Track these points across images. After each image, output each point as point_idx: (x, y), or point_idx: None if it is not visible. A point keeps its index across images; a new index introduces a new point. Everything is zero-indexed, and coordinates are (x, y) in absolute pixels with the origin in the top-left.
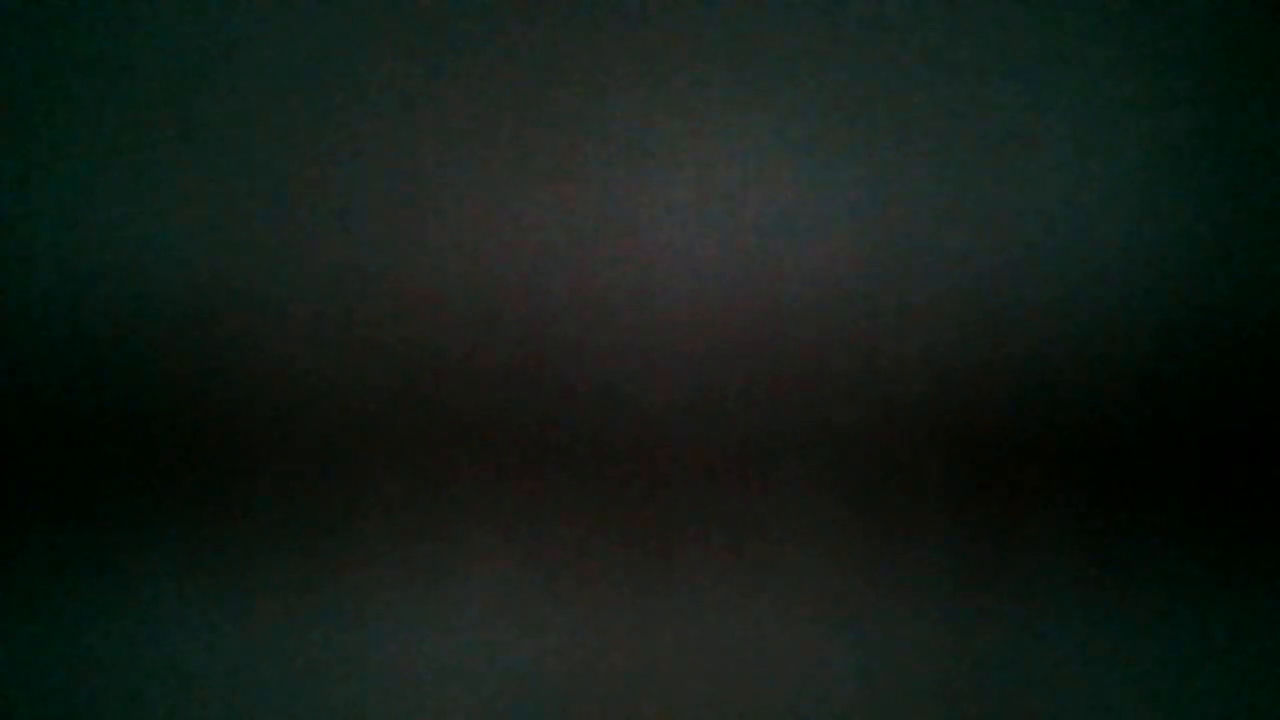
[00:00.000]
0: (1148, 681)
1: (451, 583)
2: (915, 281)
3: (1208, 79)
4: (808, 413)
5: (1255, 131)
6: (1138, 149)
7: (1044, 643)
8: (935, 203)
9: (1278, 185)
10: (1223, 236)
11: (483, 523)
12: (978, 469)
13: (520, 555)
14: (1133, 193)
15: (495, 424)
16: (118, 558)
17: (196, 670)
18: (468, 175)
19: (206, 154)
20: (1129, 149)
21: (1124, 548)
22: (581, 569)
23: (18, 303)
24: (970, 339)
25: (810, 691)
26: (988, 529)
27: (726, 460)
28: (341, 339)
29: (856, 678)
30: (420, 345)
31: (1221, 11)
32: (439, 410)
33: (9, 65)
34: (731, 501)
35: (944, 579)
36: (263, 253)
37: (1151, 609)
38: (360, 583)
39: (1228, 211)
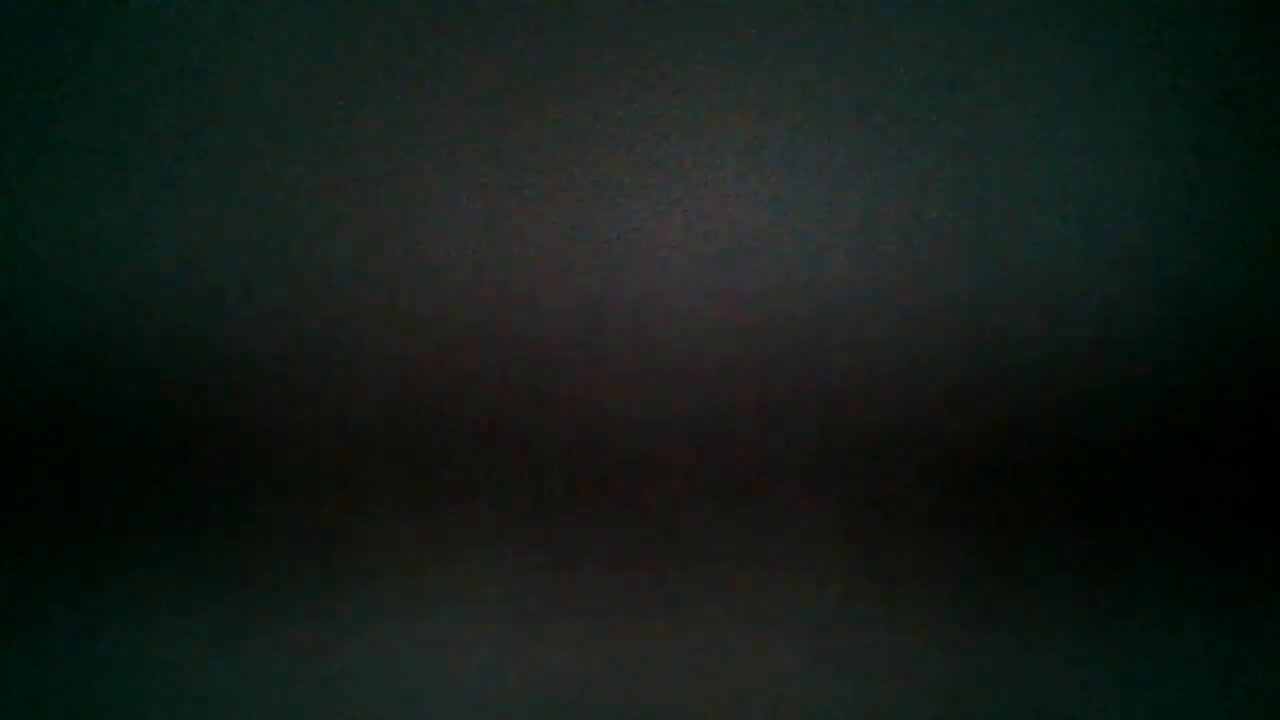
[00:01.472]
0: (1148, 693)
1: (449, 594)
2: (914, 290)
3: (1208, 80)
4: (806, 423)
5: (1256, 134)
6: (1137, 153)
7: (1045, 657)
8: (935, 210)
9: (1277, 186)
10: (1224, 242)
11: (480, 532)
12: (977, 478)
13: (517, 566)
14: (1133, 197)
15: (493, 433)
16: (116, 566)
17: (196, 678)
18: (466, 183)
19: (206, 159)
20: (1129, 153)
21: (1125, 558)
22: (580, 581)
23: (17, 307)
24: (970, 347)
25: (807, 706)
26: (987, 539)
27: (725, 470)
28: (340, 347)
29: (855, 690)
30: (418, 354)
31: (1221, 11)
32: (437, 419)
33: (10, 65)
34: (730, 512)
35: (943, 591)
36: (262, 260)
37: (1153, 620)
38: (358, 593)
39: (1229, 216)
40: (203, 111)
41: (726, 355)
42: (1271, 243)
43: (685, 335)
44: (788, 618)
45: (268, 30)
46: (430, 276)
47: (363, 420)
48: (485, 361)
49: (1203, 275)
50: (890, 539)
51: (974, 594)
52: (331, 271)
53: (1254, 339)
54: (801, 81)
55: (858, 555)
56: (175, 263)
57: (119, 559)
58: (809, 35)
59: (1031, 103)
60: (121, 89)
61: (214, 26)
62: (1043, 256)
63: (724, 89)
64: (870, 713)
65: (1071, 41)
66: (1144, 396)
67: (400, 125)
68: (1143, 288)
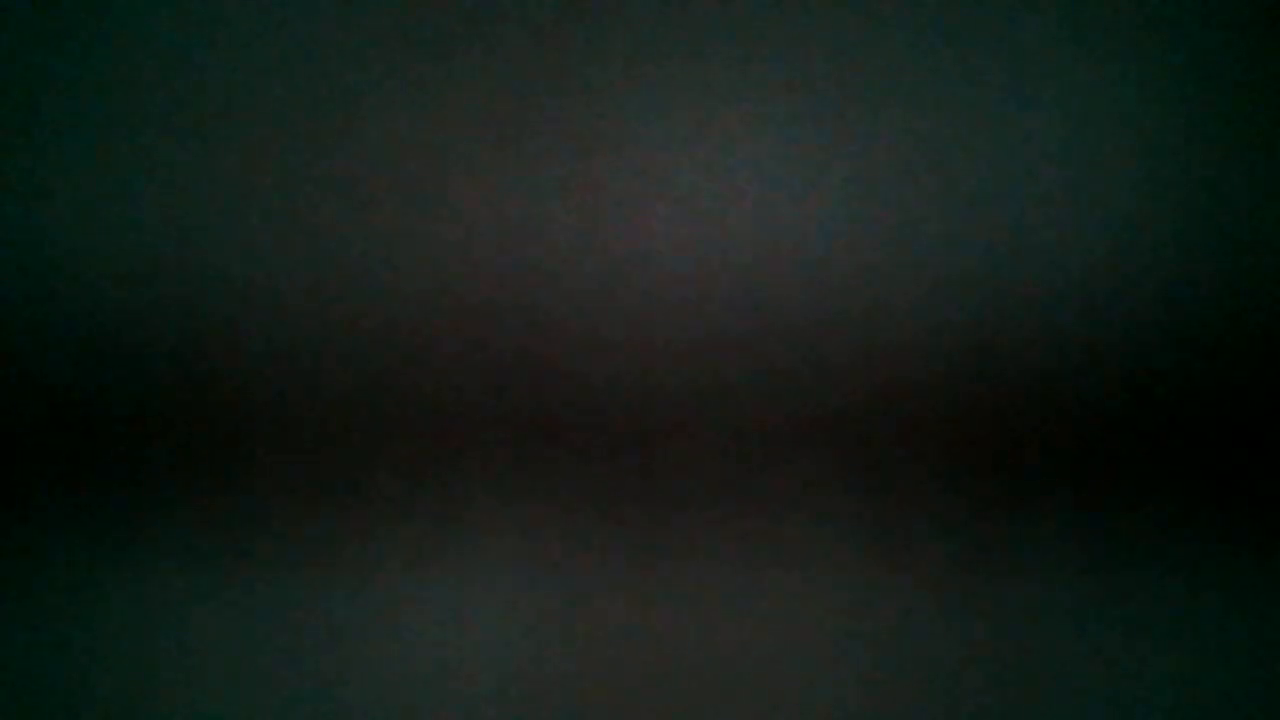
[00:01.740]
0: (1146, 678)
1: (452, 578)
2: (914, 278)
3: (1206, 79)
4: (807, 408)
5: (1255, 131)
6: (1136, 147)
7: (1045, 637)
8: (933, 200)
9: (1277, 186)
10: (1222, 235)
11: (483, 517)
12: (976, 464)
13: (521, 550)
14: (1130, 190)
15: (495, 420)
16: (121, 552)
17: (198, 665)
18: (466, 174)
19: (207, 153)
20: (1127, 147)
21: (1123, 541)
22: (583, 563)
23: (19, 300)
24: (968, 335)
25: (811, 686)
26: (987, 522)
27: (726, 455)
28: (343, 336)
29: (858, 672)
30: (421, 342)
31: (1220, 10)
32: (440, 407)
33: (10, 66)
34: (732, 497)
35: (945, 573)
36: (264, 251)
37: (1152, 603)
38: (361, 579)
39: (1227, 210)
40: (205, 109)
41: (729, 343)
42: (1270, 238)
43: (689, 321)
44: (792, 597)
45: (271, 28)
46: (434, 263)
47: (366, 407)
48: (487, 346)
49: (1201, 266)
50: (894, 519)
51: (975, 574)
52: (334, 260)
53: (1252, 327)
54: (803, 72)
55: (864, 538)
56: (181, 255)
57: (123, 540)
58: (809, 35)
59: (1031, 98)
60: (123, 86)
61: (216, 25)
62: (1043, 245)
63: (726, 86)
64: (876, 691)
65: (1071, 40)
66: (1144, 386)
67: (405, 121)
68: (1142, 280)
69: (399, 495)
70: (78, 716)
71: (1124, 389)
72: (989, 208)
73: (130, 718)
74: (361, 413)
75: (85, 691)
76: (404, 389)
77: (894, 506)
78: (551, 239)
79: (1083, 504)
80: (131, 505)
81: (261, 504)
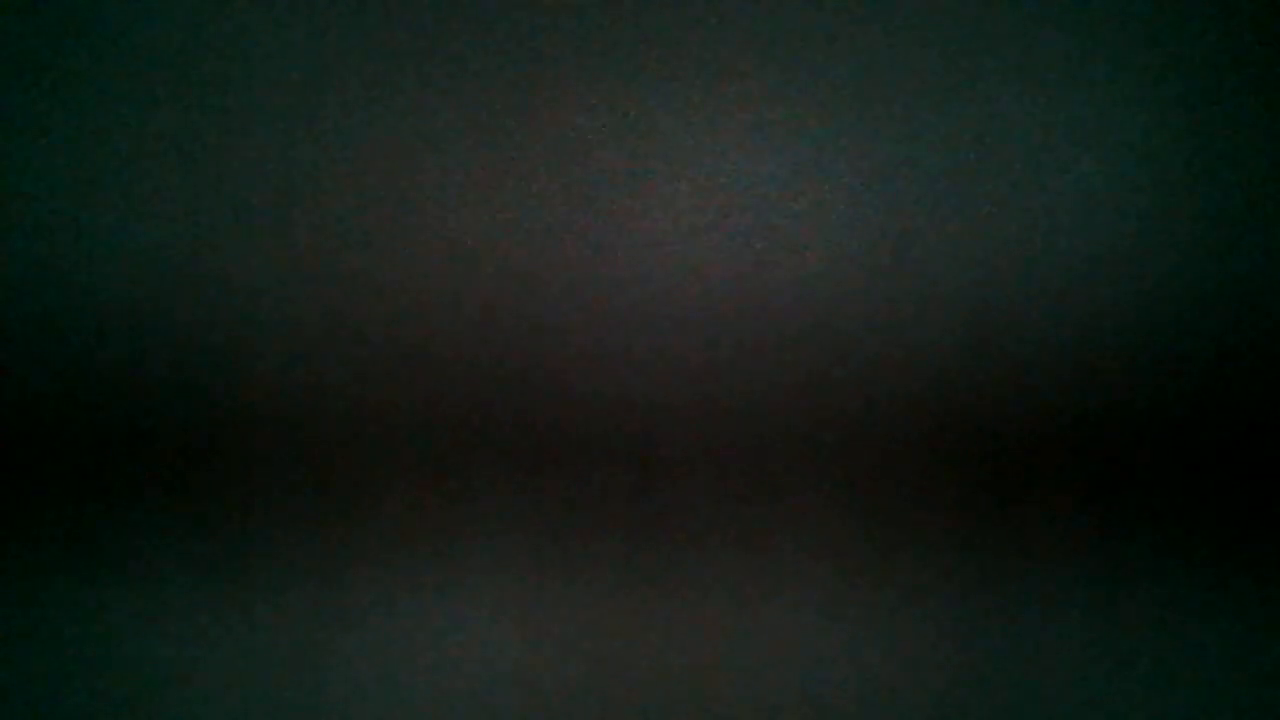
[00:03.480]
0: (1147, 681)
1: (454, 584)
2: (915, 282)
3: (1208, 79)
4: (808, 413)
5: (1255, 131)
6: (1138, 148)
7: (1044, 644)
8: (936, 204)
9: (1278, 185)
10: (1223, 236)
11: (484, 524)
12: (977, 468)
13: (522, 557)
14: (1131, 191)
15: (497, 426)
16: (123, 559)
17: (200, 670)
18: (469, 178)
19: (207, 156)
20: (1129, 149)
21: (1123, 547)
22: (583, 570)
23: (21, 307)
24: (970, 339)
25: (810, 691)
26: (987, 528)
27: (727, 460)
28: (344, 342)
29: (856, 678)
30: (422, 348)
31: (1219, 11)
32: (441, 412)
33: (10, 65)
34: (732, 502)
35: (944, 579)
36: (265, 256)
37: (1152, 609)
38: (363, 584)
39: (1228, 211)
40: (207, 110)
41: (731, 346)
42: (1267, 237)
43: (690, 326)
44: (792, 602)
45: (270, 26)
46: (434, 268)
47: (366, 411)
48: (488, 352)
49: (1200, 267)
50: (894, 523)
51: (978, 583)
52: (334, 264)
53: (1249, 327)
54: (807, 75)
55: (861, 541)
56: (181, 258)
57: (125, 547)
58: (814, 29)
59: (1032, 97)
60: (123, 86)
61: (216, 24)
62: (1045, 254)
63: (728, 84)
64: (873, 694)
65: (1073, 40)
66: (1144, 389)
67: (404, 115)
68: (1143, 281)
69: (399, 512)
70: None
71: (1127, 401)
72: (991, 219)
73: None
74: (363, 425)
75: (83, 712)
76: (404, 404)
77: (895, 518)
78: (553, 251)
79: (1086, 517)
80: (131, 518)
81: (261, 522)
